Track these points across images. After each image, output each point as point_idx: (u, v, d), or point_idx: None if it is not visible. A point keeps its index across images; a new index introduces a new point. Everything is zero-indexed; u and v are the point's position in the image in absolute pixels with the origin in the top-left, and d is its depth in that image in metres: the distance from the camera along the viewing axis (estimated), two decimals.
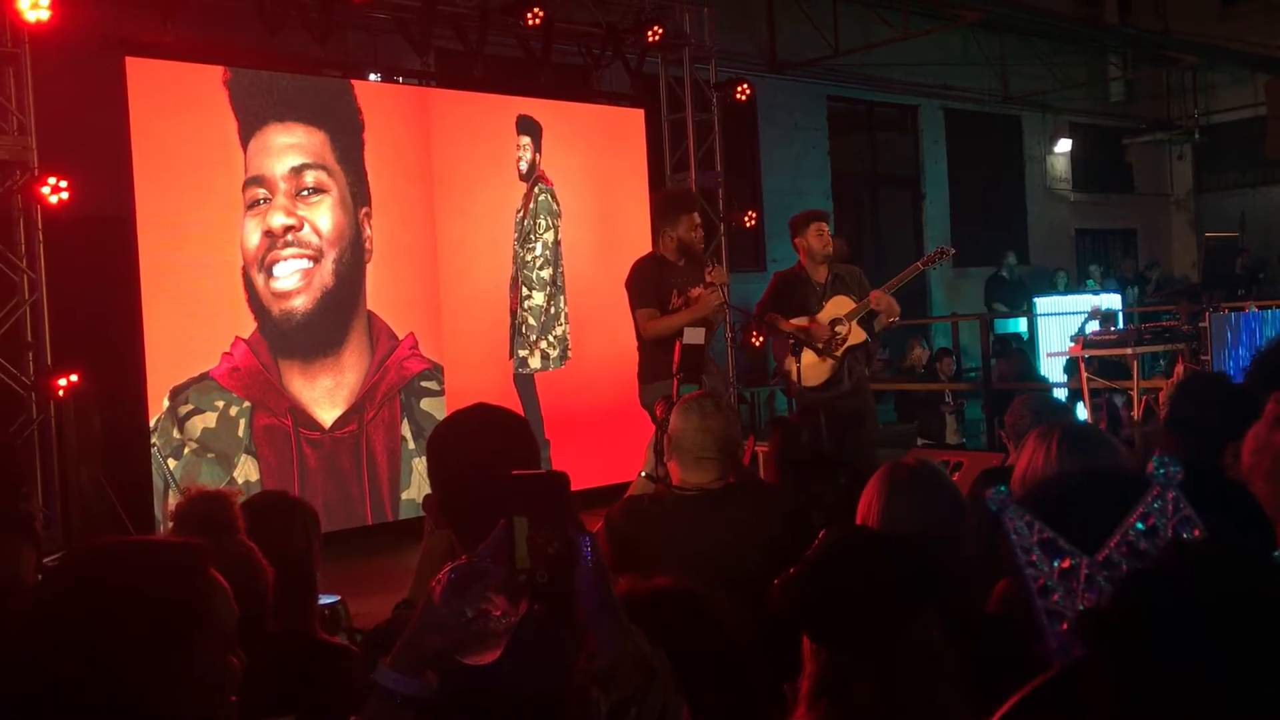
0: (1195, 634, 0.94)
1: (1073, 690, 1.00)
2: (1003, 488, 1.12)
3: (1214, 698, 0.92)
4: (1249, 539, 1.10)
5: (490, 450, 1.83)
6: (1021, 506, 1.11)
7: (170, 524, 2.44)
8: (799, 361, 5.89)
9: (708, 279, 5.68)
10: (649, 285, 5.83)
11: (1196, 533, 1.09)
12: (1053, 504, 1.35)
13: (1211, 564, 1.00)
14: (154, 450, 6.30)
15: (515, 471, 1.42)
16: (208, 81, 6.60)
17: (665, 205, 6.27)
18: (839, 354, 6.03)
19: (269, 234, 6.73)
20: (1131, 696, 0.95)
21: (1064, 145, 16.05)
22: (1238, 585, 0.97)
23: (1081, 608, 1.07)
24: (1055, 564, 1.09)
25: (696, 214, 5.96)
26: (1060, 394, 9.49)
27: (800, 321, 6.01)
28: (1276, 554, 1.43)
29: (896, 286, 6.09)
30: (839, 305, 6.09)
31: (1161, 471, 1.11)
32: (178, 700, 1.43)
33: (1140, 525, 1.09)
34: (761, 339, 8.05)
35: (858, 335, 6.06)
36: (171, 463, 6.34)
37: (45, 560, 2.64)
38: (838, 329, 6.02)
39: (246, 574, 2.21)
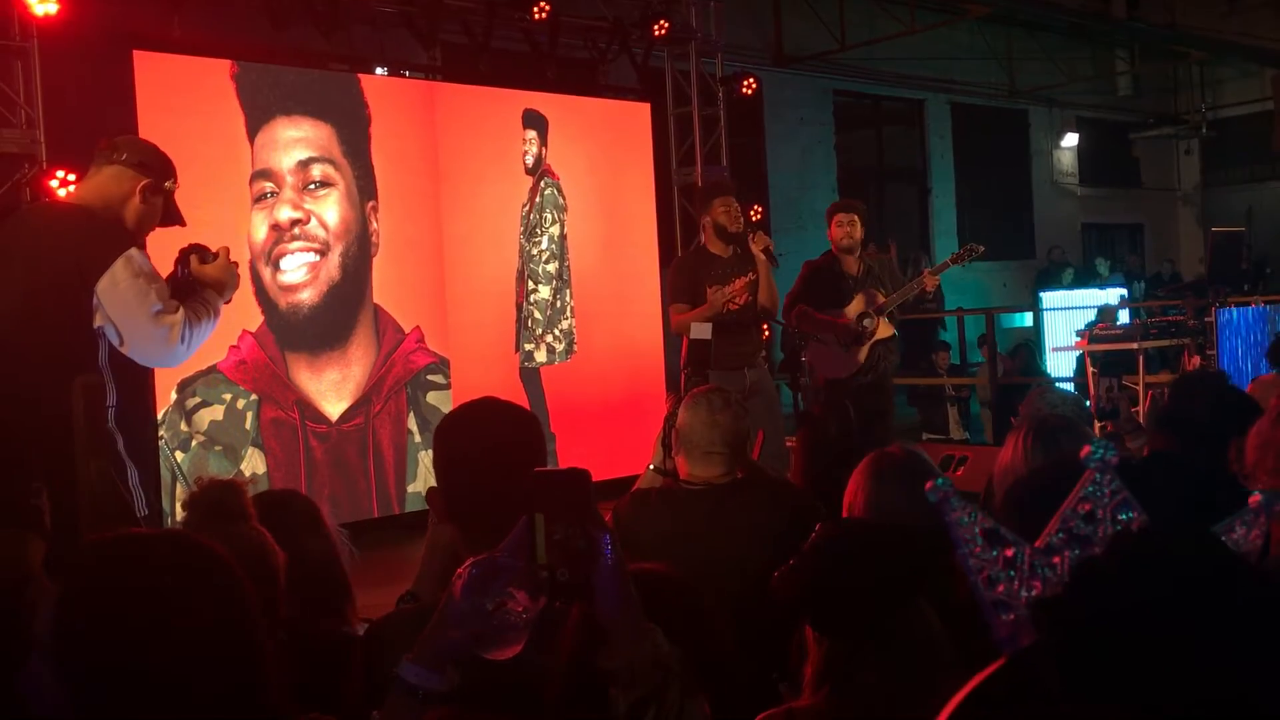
0: (1144, 620, 0.96)
1: (1024, 680, 1.01)
2: (941, 480, 1.09)
3: (1164, 683, 0.93)
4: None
5: (496, 444, 1.83)
6: (965, 498, 1.09)
7: (183, 512, 2.43)
8: (822, 352, 6.02)
9: (753, 249, 5.74)
10: (681, 280, 5.96)
11: (1135, 514, 1.08)
12: (1027, 501, 1.35)
13: (1157, 549, 1.02)
14: (161, 443, 6.31)
15: (538, 469, 1.42)
16: (215, 76, 6.60)
17: (699, 195, 6.38)
18: (866, 347, 6.09)
19: (276, 227, 6.74)
20: (1084, 685, 0.96)
21: (1071, 139, 16.02)
22: (1186, 571, 0.99)
23: (1025, 596, 1.06)
24: (997, 553, 1.07)
25: (730, 197, 6.00)
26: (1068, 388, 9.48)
27: (830, 316, 6.08)
28: None
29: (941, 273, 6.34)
30: (869, 299, 6.15)
31: (1097, 456, 1.09)
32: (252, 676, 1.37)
33: (1078, 511, 1.09)
34: (769, 332, 8.07)
35: (885, 329, 6.12)
36: (179, 455, 6.36)
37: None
38: (865, 323, 6.07)
39: (260, 559, 2.24)
